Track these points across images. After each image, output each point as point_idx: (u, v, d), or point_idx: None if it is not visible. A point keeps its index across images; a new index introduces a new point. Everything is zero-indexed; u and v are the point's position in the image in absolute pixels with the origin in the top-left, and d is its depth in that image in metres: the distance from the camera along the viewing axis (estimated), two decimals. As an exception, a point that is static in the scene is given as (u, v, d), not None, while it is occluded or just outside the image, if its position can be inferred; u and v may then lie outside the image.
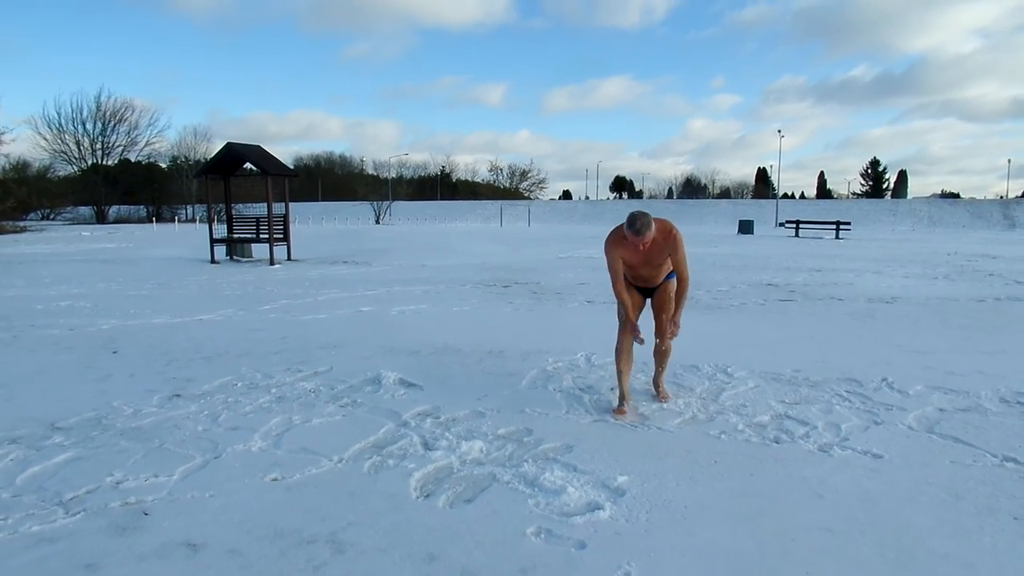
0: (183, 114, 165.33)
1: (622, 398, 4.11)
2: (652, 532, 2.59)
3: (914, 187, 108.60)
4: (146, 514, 2.72)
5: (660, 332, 4.18)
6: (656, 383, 4.40)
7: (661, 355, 4.27)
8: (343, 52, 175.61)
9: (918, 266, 15.03)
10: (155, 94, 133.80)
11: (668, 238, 3.94)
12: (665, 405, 4.18)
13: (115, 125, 61.83)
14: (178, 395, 4.43)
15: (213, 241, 15.88)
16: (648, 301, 4.27)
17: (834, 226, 31.19)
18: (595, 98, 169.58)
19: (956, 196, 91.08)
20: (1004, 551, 2.45)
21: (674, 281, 4.13)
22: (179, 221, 54.21)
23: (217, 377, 4.87)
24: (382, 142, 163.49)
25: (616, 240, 4.00)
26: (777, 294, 9.84)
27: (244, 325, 7.13)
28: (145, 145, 64.32)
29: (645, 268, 4.07)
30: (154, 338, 6.39)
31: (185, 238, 28.36)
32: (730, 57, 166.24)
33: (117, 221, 58.43)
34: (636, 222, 3.79)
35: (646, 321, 4.15)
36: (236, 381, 4.78)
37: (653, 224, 3.82)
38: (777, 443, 3.56)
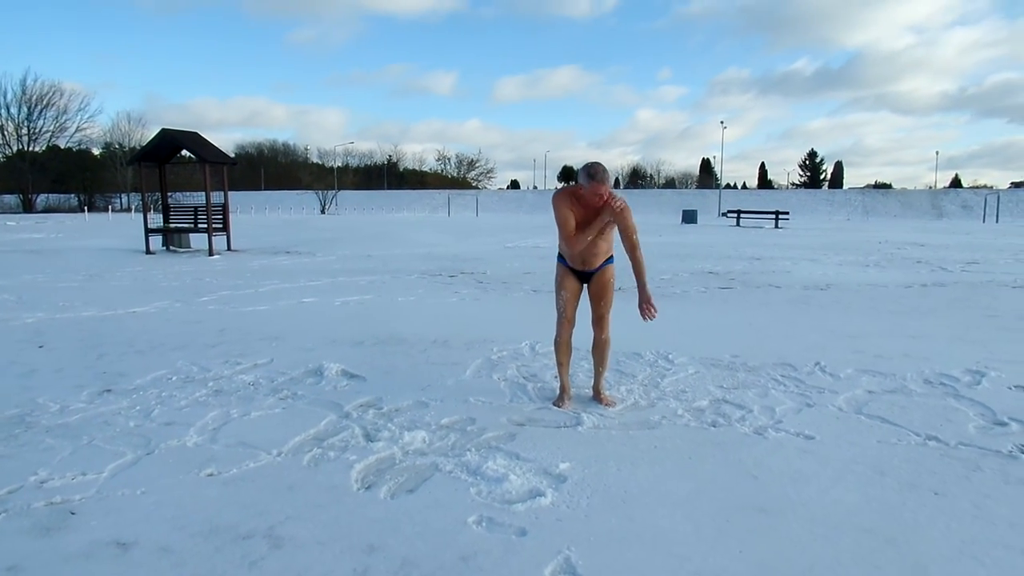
0: (119, 99, 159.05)
1: (563, 390, 4.08)
2: (592, 517, 2.62)
3: (850, 178, 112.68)
4: (73, 513, 2.62)
5: (598, 323, 4.03)
6: (597, 388, 4.13)
7: (600, 350, 4.06)
8: (288, 37, 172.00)
9: (851, 254, 15.59)
10: (88, 78, 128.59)
11: (614, 210, 3.71)
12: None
13: (42, 110, 59.17)
14: (109, 390, 4.27)
15: (148, 231, 15.34)
16: (585, 288, 4.04)
17: (773, 216, 32.10)
18: (545, 87, 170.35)
19: (889, 187, 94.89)
20: (925, 525, 2.56)
21: (612, 267, 3.98)
22: (113, 210, 52.17)
23: (151, 371, 4.71)
24: (328, 130, 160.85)
25: (566, 195, 3.81)
26: (718, 282, 10.07)
27: (180, 317, 6.92)
28: (76, 131, 61.76)
29: (585, 234, 3.78)
30: (84, 332, 6.14)
31: (119, 228, 27.33)
32: (677, 49, 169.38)
33: (46, 210, 55.90)
34: (596, 169, 3.64)
35: (583, 315, 4.06)
36: (171, 375, 4.63)
37: (608, 173, 3.68)
38: (715, 427, 3.64)
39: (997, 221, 49.09)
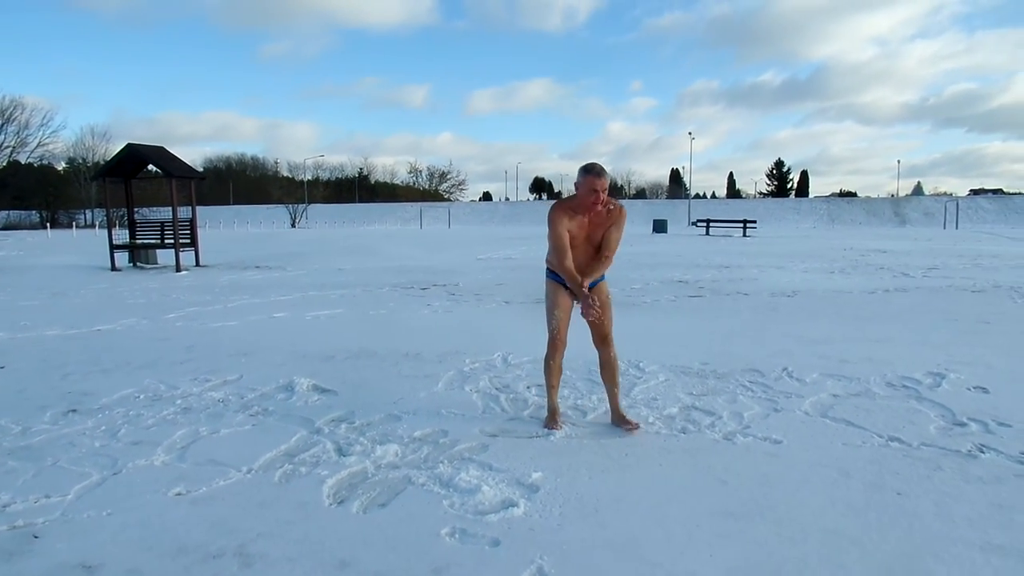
0: (85, 113, 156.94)
1: (554, 412, 3.84)
2: (565, 526, 2.64)
3: (816, 186, 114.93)
4: (36, 537, 2.56)
5: (602, 342, 3.82)
6: (617, 411, 3.85)
7: (611, 370, 3.85)
8: (259, 51, 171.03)
9: (817, 261, 15.89)
10: (53, 92, 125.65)
11: (614, 213, 3.68)
12: (579, 403, 4.21)
13: (2, 125, 57.70)
14: (74, 410, 4.19)
15: (114, 247, 15.08)
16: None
17: (742, 224, 32.59)
18: (518, 100, 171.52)
19: (853, 195, 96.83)
20: (888, 525, 2.63)
21: (606, 283, 3.85)
22: (77, 226, 51.10)
23: (117, 390, 4.63)
24: (299, 144, 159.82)
25: (563, 209, 3.66)
26: (687, 290, 10.20)
27: (147, 335, 6.81)
28: (37, 146, 60.31)
29: (585, 247, 3.69)
30: (47, 351, 6.02)
31: (84, 244, 26.80)
32: (648, 62, 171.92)
33: (6, 227, 54.56)
34: (595, 166, 3.58)
35: (583, 335, 3.93)
36: (138, 393, 4.56)
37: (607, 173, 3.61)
38: (685, 433, 3.69)
39: (957, 227, 50.40)
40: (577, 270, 3.65)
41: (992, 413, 3.96)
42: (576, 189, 3.67)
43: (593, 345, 3.89)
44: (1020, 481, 3.02)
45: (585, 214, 3.65)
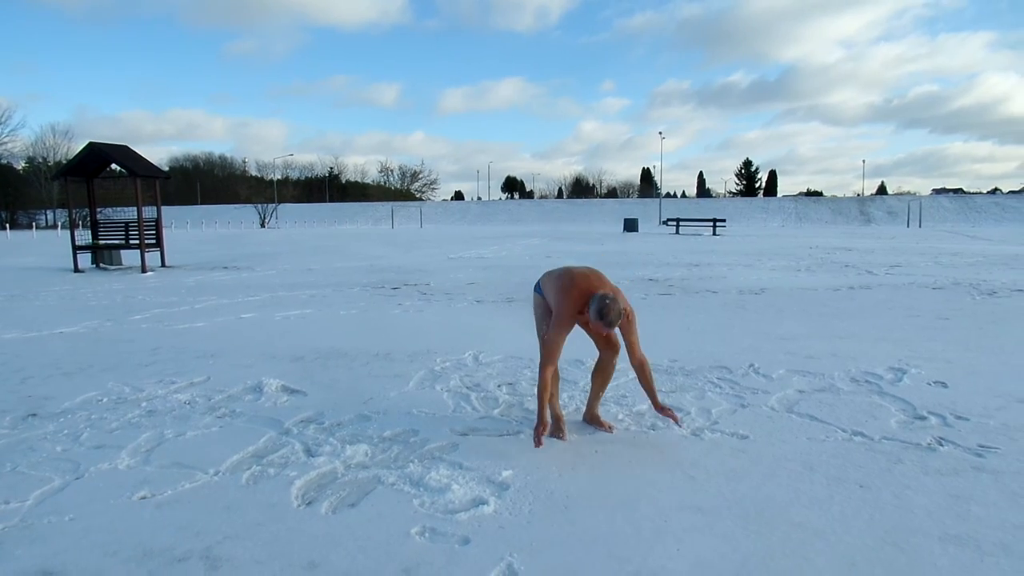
0: (46, 111, 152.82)
1: (557, 419, 3.66)
2: (534, 523, 2.65)
3: (784, 186, 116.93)
4: (-6, 544, 2.50)
5: (631, 349, 3.54)
6: (592, 410, 3.82)
7: (604, 374, 3.77)
8: (226, 49, 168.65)
9: (784, 259, 16.15)
10: (10, 89, 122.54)
11: (627, 320, 3.43)
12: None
13: (-43, 123, 56.07)
14: (34, 415, 4.09)
15: (76, 248, 14.74)
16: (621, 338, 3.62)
17: (711, 223, 32.96)
18: (490, 99, 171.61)
19: (820, 194, 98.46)
20: (851, 517, 2.68)
21: (628, 304, 3.51)
22: (37, 227, 49.83)
23: (79, 393, 4.54)
24: (269, 142, 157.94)
25: (574, 310, 3.38)
26: (657, 288, 10.29)
27: (111, 337, 6.67)
28: (-5, 145, 58.74)
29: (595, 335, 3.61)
30: (5, 354, 5.86)
31: (44, 245, 26.16)
32: (619, 62, 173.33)
33: (-37, 228, 52.98)
34: (608, 314, 3.22)
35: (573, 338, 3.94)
36: (101, 396, 4.47)
37: (623, 311, 3.31)
38: (654, 430, 3.73)
39: (920, 226, 51.59)
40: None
41: (951, 407, 4.07)
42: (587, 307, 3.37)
43: (596, 347, 3.79)
44: (976, 473, 3.11)
45: (596, 329, 3.42)
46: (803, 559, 2.36)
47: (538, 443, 3.34)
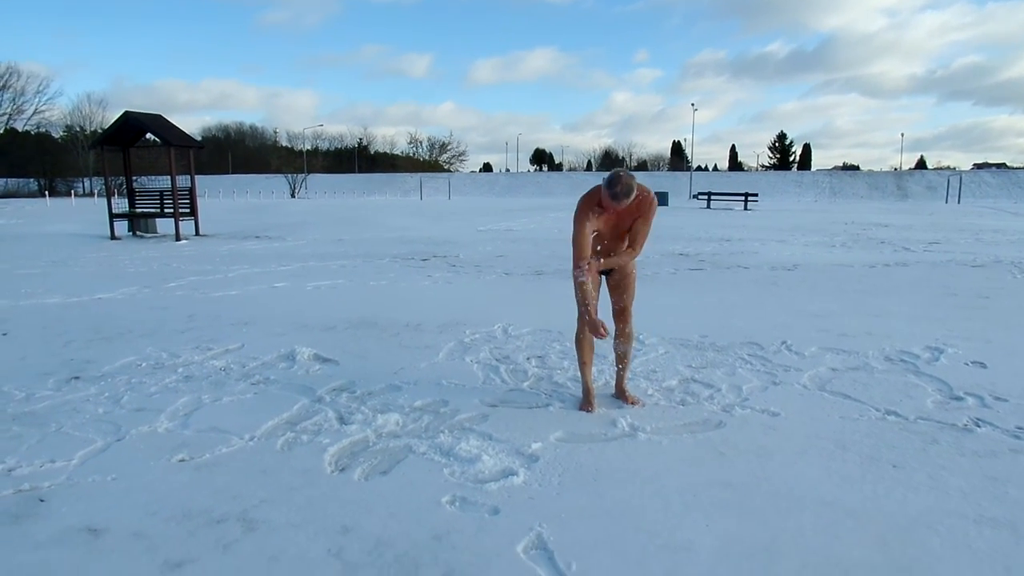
0: (84, 80, 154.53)
1: (587, 392, 3.70)
2: (563, 495, 2.67)
3: (818, 159, 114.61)
4: (42, 500, 2.60)
5: (620, 315, 3.79)
6: (619, 384, 3.85)
7: (624, 343, 3.81)
8: (260, 18, 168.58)
9: (818, 235, 15.86)
10: (51, 59, 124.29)
11: (643, 203, 3.46)
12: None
13: (-2, 91, 57.19)
14: (77, 377, 4.22)
15: (113, 216, 15.03)
16: (603, 279, 3.79)
17: (743, 198, 32.43)
18: (521, 70, 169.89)
19: (856, 168, 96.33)
20: (883, 496, 2.66)
21: (634, 262, 3.75)
22: (75, 195, 50.85)
23: (119, 358, 4.66)
24: (299, 112, 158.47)
25: (589, 204, 3.43)
26: (688, 263, 10.19)
27: (148, 303, 6.82)
28: (34, 113, 59.91)
29: (613, 238, 3.59)
30: (48, 319, 6.03)
31: (82, 213, 26.71)
32: (654, 32, 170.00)
33: (4, 195, 54.31)
34: (616, 184, 3.27)
35: (603, 306, 3.73)
36: (140, 361, 4.58)
37: (635, 191, 3.34)
38: (683, 405, 3.72)
39: (959, 202, 50.21)
40: (604, 257, 3.59)
41: (989, 388, 3.99)
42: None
43: (612, 318, 3.80)
44: (1015, 455, 3.05)
45: (610, 209, 3.43)
46: (833, 537, 2.35)
47: (594, 330, 3.35)
